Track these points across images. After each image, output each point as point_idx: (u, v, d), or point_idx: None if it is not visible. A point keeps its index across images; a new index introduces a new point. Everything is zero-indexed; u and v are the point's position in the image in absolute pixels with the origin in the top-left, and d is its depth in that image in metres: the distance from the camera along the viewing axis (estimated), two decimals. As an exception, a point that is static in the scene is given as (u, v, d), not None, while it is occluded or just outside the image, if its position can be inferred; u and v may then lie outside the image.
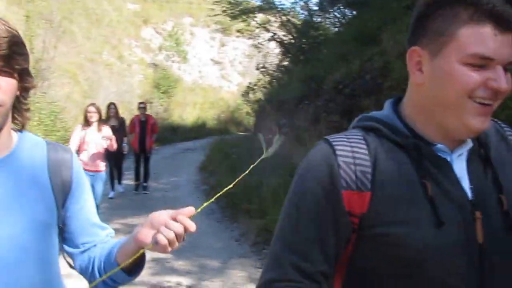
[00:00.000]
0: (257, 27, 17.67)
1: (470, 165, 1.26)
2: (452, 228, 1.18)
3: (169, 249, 1.28)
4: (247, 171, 1.37)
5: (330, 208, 1.20)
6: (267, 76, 16.99)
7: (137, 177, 11.03)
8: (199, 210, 1.30)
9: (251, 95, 18.76)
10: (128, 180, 11.31)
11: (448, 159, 1.24)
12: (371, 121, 1.29)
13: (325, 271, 1.22)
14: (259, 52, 19.09)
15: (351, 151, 1.22)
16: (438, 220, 1.17)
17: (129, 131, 10.90)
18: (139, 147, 10.84)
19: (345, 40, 9.52)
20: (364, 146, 1.23)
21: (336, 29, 13.71)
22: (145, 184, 11.05)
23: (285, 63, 15.53)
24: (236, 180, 1.35)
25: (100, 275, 1.44)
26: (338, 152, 1.22)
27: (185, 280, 5.66)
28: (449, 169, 1.23)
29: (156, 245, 1.27)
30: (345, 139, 1.25)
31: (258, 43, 18.24)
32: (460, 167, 1.24)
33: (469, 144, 1.26)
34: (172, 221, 1.28)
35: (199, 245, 6.65)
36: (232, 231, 7.59)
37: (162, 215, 1.30)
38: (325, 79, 8.67)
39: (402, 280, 1.19)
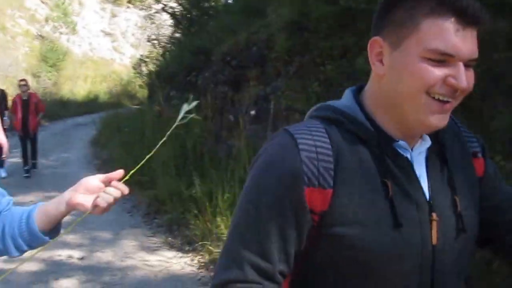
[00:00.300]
0: (148, -1, 17.38)
1: (429, 164, 1.23)
2: (409, 230, 1.15)
3: (106, 212, 1.42)
4: (166, 135, 1.40)
5: (292, 206, 1.14)
6: (159, 48, 16.83)
7: (25, 160, 10.44)
8: (127, 177, 1.43)
9: (143, 68, 18.51)
10: (16, 158, 10.93)
11: (409, 157, 1.21)
12: (332, 112, 1.23)
13: (284, 271, 1.17)
14: (152, 23, 18.81)
15: (314, 145, 1.15)
16: (396, 221, 1.14)
17: (11, 111, 10.39)
18: (23, 129, 10.23)
19: (233, 12, 9.67)
20: (327, 140, 1.17)
21: (226, 1, 13.82)
22: (33, 162, 10.73)
23: (177, 34, 15.45)
24: (161, 142, 1.40)
25: (14, 242, 1.46)
26: (300, 146, 1.15)
27: (76, 253, 5.68)
28: (410, 168, 1.20)
29: (94, 208, 1.40)
30: (307, 132, 1.17)
31: (150, 14, 17.96)
32: (419, 166, 1.21)
33: (428, 142, 1.23)
34: (109, 187, 1.40)
35: (91, 219, 6.58)
36: (124, 203, 7.61)
37: (94, 181, 1.42)
38: (213, 51, 8.80)
39: (357, 281, 1.16)
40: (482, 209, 1.30)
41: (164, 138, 1.39)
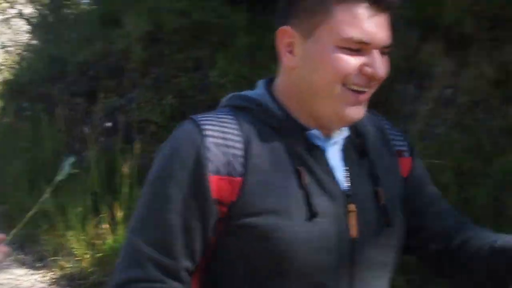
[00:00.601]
0: (3, 2, 16.49)
1: (346, 155, 1.18)
2: (324, 221, 1.10)
3: None
4: (47, 194, 1.41)
5: (196, 196, 1.08)
6: (14, 56, 16.02)
7: None
8: (9, 237, 1.40)
9: (-3, 76, 17.48)
10: None
11: (323, 146, 1.16)
12: (243, 100, 1.19)
13: (189, 268, 1.10)
14: (8, 28, 17.84)
15: (221, 131, 1.11)
16: (311, 211, 1.09)
17: None
18: None
19: (91, 21, 9.51)
20: (236, 127, 1.12)
21: (87, 8, 13.50)
22: None
23: (34, 42, 14.81)
24: (44, 195, 1.42)
25: None
26: (206, 133, 1.09)
27: None
28: (323, 157, 1.15)
29: None
30: (215, 118, 1.13)
31: (6, 18, 17.03)
32: (335, 157, 1.17)
33: (345, 132, 1.19)
34: None
35: None
36: (-27, 220, 7.21)
37: None
38: (69, 60, 8.59)
39: (271, 276, 1.10)
40: (408, 212, 1.25)
41: (52, 188, 1.38)
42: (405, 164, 1.28)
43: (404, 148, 1.29)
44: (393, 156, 1.27)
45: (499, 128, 3.59)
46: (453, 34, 4.16)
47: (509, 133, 3.52)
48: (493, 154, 3.41)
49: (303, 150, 1.14)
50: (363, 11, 1.07)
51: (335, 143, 1.18)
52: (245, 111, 1.16)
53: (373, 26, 1.07)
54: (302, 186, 1.10)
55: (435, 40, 4.29)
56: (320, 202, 1.11)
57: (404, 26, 4.18)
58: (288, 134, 1.14)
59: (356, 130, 1.21)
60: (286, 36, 1.13)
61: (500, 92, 3.76)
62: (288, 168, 1.11)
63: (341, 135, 1.19)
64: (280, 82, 1.19)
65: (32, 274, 5.35)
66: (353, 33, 1.06)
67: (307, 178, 1.11)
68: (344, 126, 1.18)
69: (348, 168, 1.17)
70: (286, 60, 1.15)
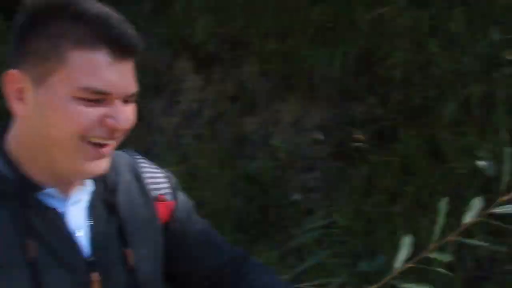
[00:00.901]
0: None
1: (92, 213, 1.04)
2: None
3: None
4: None
5: None
6: None
7: None
8: None
9: None
10: None
11: (60, 208, 1.01)
12: None
13: None
14: None
15: None
16: None
17: None
18: None
19: None
20: None
21: None
22: None
23: None
24: None
25: None
26: None
27: None
28: (60, 221, 1.00)
29: None
30: None
31: None
32: (77, 218, 1.02)
33: (91, 187, 1.05)
34: None
35: None
36: None
37: None
38: None
39: None
40: (174, 258, 1.17)
41: None
42: (165, 209, 1.18)
43: (166, 191, 1.19)
44: (150, 204, 1.15)
45: (235, 137, 4.04)
46: (201, 53, 4.54)
47: (241, 142, 3.99)
48: (228, 160, 3.83)
49: (33, 215, 0.98)
50: (102, 58, 0.95)
51: (78, 201, 1.04)
52: None
53: (113, 74, 0.95)
54: (27, 261, 0.95)
55: (185, 58, 4.63)
56: (54, 277, 0.97)
57: (157, 44, 4.46)
58: (15, 197, 0.98)
59: (105, 182, 1.08)
60: (15, 81, 0.97)
61: (238, 106, 4.22)
62: (13, 242, 0.95)
63: (85, 191, 1.05)
64: (13, 133, 1.03)
65: None
66: (91, 82, 0.94)
67: (38, 251, 0.96)
68: (84, 180, 1.05)
69: (95, 229, 1.04)
70: (16, 108, 0.99)
